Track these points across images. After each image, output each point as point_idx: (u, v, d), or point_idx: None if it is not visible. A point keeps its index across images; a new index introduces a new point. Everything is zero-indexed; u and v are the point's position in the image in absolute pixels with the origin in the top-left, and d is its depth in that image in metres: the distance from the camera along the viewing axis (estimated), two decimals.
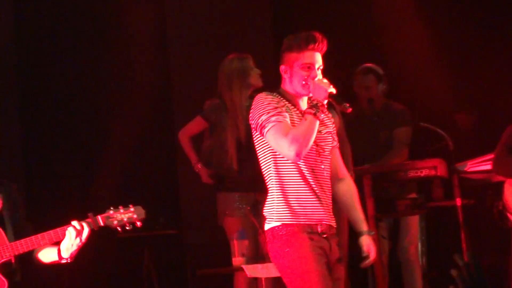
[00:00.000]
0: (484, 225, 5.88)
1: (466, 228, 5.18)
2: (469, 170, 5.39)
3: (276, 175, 3.80)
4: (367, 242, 3.89)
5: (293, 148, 3.66)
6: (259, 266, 4.73)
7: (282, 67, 3.89)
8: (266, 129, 3.73)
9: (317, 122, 3.72)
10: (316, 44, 3.82)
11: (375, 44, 7.06)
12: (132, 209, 3.78)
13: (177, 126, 6.03)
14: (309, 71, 3.82)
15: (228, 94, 5.43)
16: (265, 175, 3.86)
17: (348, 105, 3.78)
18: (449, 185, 5.36)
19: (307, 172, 3.79)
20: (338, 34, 7.16)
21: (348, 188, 4.00)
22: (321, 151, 3.83)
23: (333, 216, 3.84)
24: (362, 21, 7.24)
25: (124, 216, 3.76)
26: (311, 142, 3.73)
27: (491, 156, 5.07)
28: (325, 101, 3.75)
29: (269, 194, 3.84)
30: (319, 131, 3.77)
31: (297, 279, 3.70)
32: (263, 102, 3.79)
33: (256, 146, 3.88)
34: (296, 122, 3.78)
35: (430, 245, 6.06)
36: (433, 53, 7.03)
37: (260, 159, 3.87)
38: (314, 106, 3.75)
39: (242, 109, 5.36)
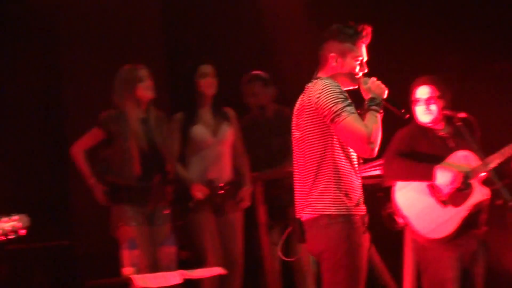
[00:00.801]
0: (377, 228, 6.00)
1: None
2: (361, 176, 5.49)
3: (334, 164, 3.75)
4: None
5: (373, 144, 3.68)
6: (149, 275, 4.69)
7: (332, 55, 3.85)
8: (341, 118, 3.67)
9: None
10: (368, 38, 3.88)
11: (268, 50, 7.13)
12: (15, 218, 3.68)
13: (69, 135, 5.93)
14: (361, 65, 3.89)
15: (122, 104, 5.40)
16: (314, 163, 3.78)
17: (404, 110, 3.87)
18: None
19: (354, 164, 3.83)
20: (230, 42, 7.21)
21: None
22: None
23: None
24: (253, 28, 7.29)
25: (7, 224, 3.66)
26: None
27: (381, 161, 5.17)
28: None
29: (323, 182, 3.75)
30: None
31: (347, 272, 3.70)
32: (334, 90, 3.74)
33: (310, 131, 3.79)
34: None
35: None
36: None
37: (311, 146, 3.79)
38: (377, 104, 3.78)
39: (137, 120, 5.34)
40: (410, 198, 5.01)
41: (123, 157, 5.36)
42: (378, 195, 5.58)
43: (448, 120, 5.08)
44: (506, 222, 4.71)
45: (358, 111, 3.78)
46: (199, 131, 5.65)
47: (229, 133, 5.73)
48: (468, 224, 4.92)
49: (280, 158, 5.93)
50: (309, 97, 3.80)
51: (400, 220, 5.05)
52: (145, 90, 5.44)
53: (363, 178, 5.41)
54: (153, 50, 7.40)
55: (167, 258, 5.17)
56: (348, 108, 3.68)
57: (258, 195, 5.33)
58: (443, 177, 4.91)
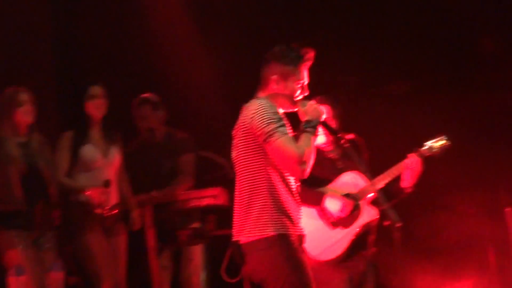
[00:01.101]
0: None
1: None
2: None
3: (269, 185, 3.74)
4: None
5: (304, 165, 3.70)
6: None
7: (274, 78, 3.87)
8: (273, 138, 3.68)
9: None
10: (310, 61, 3.88)
11: (159, 73, 7.08)
12: None
13: None
14: (303, 87, 3.89)
15: (0, 129, 5.28)
16: (248, 184, 3.77)
17: (340, 135, 3.93)
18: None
19: (291, 183, 3.83)
20: (122, 65, 7.12)
21: None
22: None
23: None
24: (146, 50, 7.24)
25: None
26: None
27: None
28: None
29: (259, 203, 3.74)
30: None
31: None
32: (268, 110, 3.74)
33: (245, 152, 3.80)
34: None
35: (216, 274, 6.10)
36: (215, 81, 7.16)
37: (246, 168, 3.79)
38: (313, 126, 3.80)
39: (16, 144, 5.21)
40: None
41: (3, 183, 5.20)
42: None
43: (337, 141, 5.11)
44: (393, 243, 4.76)
45: (295, 133, 3.82)
46: (89, 151, 5.55)
47: (117, 156, 5.65)
48: (357, 245, 4.96)
49: (170, 181, 5.88)
50: (244, 117, 3.82)
51: None
52: (24, 114, 5.33)
53: None
54: (44, 70, 7.23)
55: (55, 284, 5.12)
56: (281, 129, 3.71)
57: (147, 218, 5.27)
58: (331, 205, 4.96)
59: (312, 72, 7.40)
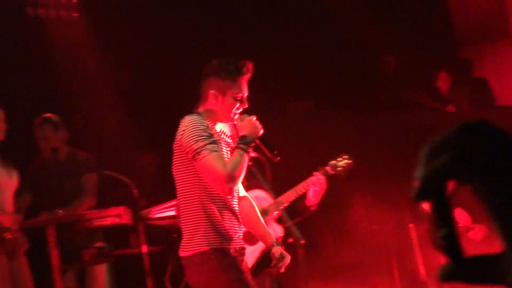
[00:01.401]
0: (173, 270, 5.98)
1: (152, 274, 5.22)
2: (154, 217, 5.46)
3: (202, 200, 3.74)
4: (279, 251, 4.03)
5: (230, 184, 3.67)
6: None
7: (212, 92, 3.82)
8: (201, 156, 3.65)
9: (247, 159, 3.74)
10: (249, 73, 3.83)
11: (61, 93, 6.99)
12: None
13: None
14: (241, 101, 3.84)
15: None
16: (183, 200, 3.78)
17: (276, 152, 3.85)
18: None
19: (231, 198, 3.82)
20: (23, 85, 7.00)
21: (250, 204, 4.06)
22: None
23: None
24: (46, 71, 7.14)
25: None
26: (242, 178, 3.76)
27: (174, 201, 5.14)
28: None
29: (193, 219, 3.75)
30: None
31: None
32: (198, 127, 3.70)
33: (178, 169, 3.80)
34: (223, 150, 3.79)
35: None
36: (118, 100, 7.13)
37: (181, 183, 3.79)
38: (247, 143, 3.75)
39: None
40: None
41: None
42: (172, 236, 5.57)
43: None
44: (298, 260, 4.81)
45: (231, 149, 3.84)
46: None
47: (16, 178, 5.55)
48: (262, 262, 4.97)
49: (73, 200, 5.80)
50: (178, 133, 3.82)
51: None
52: None
53: (157, 219, 5.46)
54: None
55: None
56: (209, 146, 3.69)
57: (51, 238, 5.16)
58: None
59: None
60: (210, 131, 3.77)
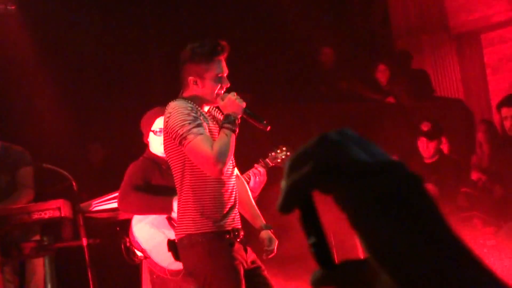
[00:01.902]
0: (115, 263, 6.01)
1: (93, 267, 5.25)
2: (94, 210, 5.48)
3: (191, 184, 3.79)
4: (267, 236, 4.06)
5: (219, 165, 3.70)
6: None
7: (191, 79, 3.83)
8: (187, 141, 3.69)
9: (234, 138, 3.77)
10: (224, 52, 3.82)
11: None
12: None
13: None
14: (221, 81, 3.84)
15: None
16: (177, 184, 3.85)
17: (266, 122, 3.87)
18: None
19: (222, 180, 3.83)
20: None
21: (242, 185, 4.10)
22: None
23: (240, 221, 3.95)
24: None
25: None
26: (231, 158, 3.80)
27: (115, 194, 5.17)
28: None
29: (182, 203, 3.83)
30: None
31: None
32: (182, 112, 3.73)
33: (169, 154, 3.87)
34: (213, 130, 3.83)
35: (63, 286, 6.05)
36: (58, 91, 7.12)
37: (173, 168, 3.87)
38: (231, 121, 3.78)
39: None
40: (148, 231, 5.02)
41: None
42: (116, 229, 5.59)
43: None
44: None
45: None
46: None
47: None
48: None
49: (9, 195, 5.77)
50: (163, 119, 3.90)
51: (139, 254, 5.04)
52: None
53: (98, 211, 5.48)
54: None
55: None
56: (195, 130, 3.74)
57: None
58: None
59: (158, 85, 7.51)
60: (195, 114, 3.81)
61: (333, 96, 9.24)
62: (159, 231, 4.99)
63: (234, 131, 3.84)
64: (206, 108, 3.98)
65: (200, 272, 3.89)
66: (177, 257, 4.00)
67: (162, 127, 5.05)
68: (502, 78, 9.23)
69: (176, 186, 3.95)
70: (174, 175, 3.94)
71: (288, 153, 5.34)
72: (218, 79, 3.91)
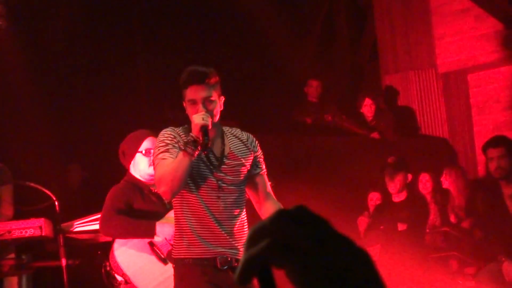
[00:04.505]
0: (93, 285, 6.05)
1: None
2: (75, 230, 5.52)
3: (177, 208, 4.05)
4: None
5: (161, 187, 3.89)
6: None
7: (184, 104, 4.05)
8: (154, 166, 3.98)
9: (189, 159, 3.85)
10: (197, 79, 3.94)
11: None
12: None
13: None
14: (194, 106, 3.97)
15: None
16: (173, 208, 4.13)
17: (209, 145, 3.96)
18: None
19: (203, 206, 3.97)
20: None
21: (274, 205, 4.15)
22: (222, 184, 4.00)
23: (238, 248, 3.99)
24: None
25: None
26: (183, 180, 3.86)
27: (96, 216, 5.22)
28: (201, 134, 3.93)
29: (175, 226, 4.10)
30: (215, 167, 3.97)
31: None
32: (159, 139, 4.01)
33: None
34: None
35: None
36: (41, 109, 7.20)
37: None
38: (188, 142, 3.88)
39: None
40: (130, 256, 5.04)
41: None
42: (97, 252, 5.63)
43: None
44: None
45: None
46: None
47: None
48: None
49: None
50: None
51: (119, 278, 5.06)
52: None
53: (79, 232, 5.55)
54: None
55: None
56: (160, 155, 3.98)
57: None
58: (163, 232, 4.98)
59: (141, 108, 7.63)
60: (169, 141, 4.02)
61: (318, 128, 9.35)
62: (142, 256, 5.02)
63: (188, 152, 3.92)
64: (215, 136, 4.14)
65: None
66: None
67: (152, 147, 5.14)
68: (487, 119, 9.42)
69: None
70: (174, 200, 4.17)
71: (269, 183, 5.41)
72: (191, 105, 4.06)
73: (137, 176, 5.20)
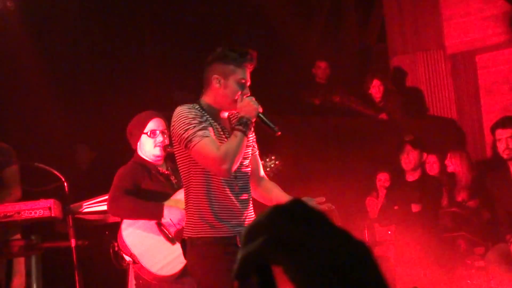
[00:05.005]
0: (101, 266, 6.10)
1: (81, 269, 5.31)
2: (84, 211, 5.53)
3: (195, 188, 3.93)
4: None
5: (225, 165, 3.80)
6: None
7: (215, 77, 3.92)
8: (192, 143, 3.80)
9: (246, 140, 3.85)
10: (253, 61, 3.94)
11: None
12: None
13: None
14: (243, 87, 3.93)
15: None
16: (185, 187, 4.00)
17: (277, 127, 3.94)
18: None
19: (223, 186, 3.94)
20: None
21: (272, 184, 4.23)
22: (239, 165, 3.97)
23: None
24: None
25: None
26: (240, 159, 3.87)
27: (105, 197, 5.25)
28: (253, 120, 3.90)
29: (188, 206, 3.98)
30: None
31: None
32: (186, 116, 3.84)
33: (177, 158, 4.00)
34: (221, 137, 3.91)
35: (48, 286, 6.12)
36: (49, 90, 7.22)
37: (181, 171, 4.01)
38: (243, 123, 3.86)
39: None
40: (138, 236, 5.07)
41: None
42: (105, 233, 5.66)
43: (168, 156, 5.25)
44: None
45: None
46: None
47: None
48: None
49: None
50: (171, 125, 4.02)
51: (127, 258, 5.09)
52: None
53: (88, 213, 5.58)
54: None
55: None
56: (200, 132, 3.86)
57: None
58: (171, 215, 5.01)
59: (149, 89, 7.64)
60: (200, 119, 3.92)
61: (326, 109, 9.35)
62: (149, 236, 5.05)
63: (245, 134, 3.92)
64: (223, 119, 4.08)
65: (195, 274, 4.08)
66: (185, 255, 4.15)
67: (157, 128, 5.21)
68: (495, 100, 9.40)
69: (184, 189, 4.11)
70: (182, 178, 4.09)
71: (277, 162, 5.44)
72: (241, 85, 4.01)
73: (144, 156, 5.23)
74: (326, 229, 0.90)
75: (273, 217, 0.90)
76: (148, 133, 5.19)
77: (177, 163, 4.11)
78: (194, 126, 3.89)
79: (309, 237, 0.88)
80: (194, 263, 4.06)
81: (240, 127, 3.93)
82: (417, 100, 9.86)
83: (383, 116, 9.38)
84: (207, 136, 3.88)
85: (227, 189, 4.02)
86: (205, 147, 3.86)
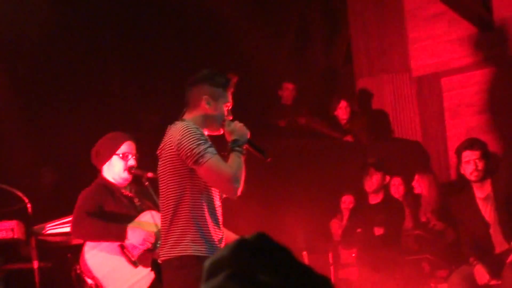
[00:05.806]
0: None
1: None
2: (47, 233, 5.51)
3: (190, 206, 3.90)
4: None
5: (237, 184, 3.86)
6: None
7: (205, 97, 3.99)
8: (205, 159, 3.81)
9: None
10: (233, 88, 4.10)
11: None
12: None
13: None
14: (228, 111, 4.05)
15: None
16: (171, 206, 3.92)
17: (267, 153, 4.06)
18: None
19: (216, 204, 3.99)
20: None
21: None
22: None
23: None
24: None
25: None
26: None
27: (68, 218, 5.24)
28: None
29: (180, 225, 3.91)
30: None
31: None
32: (195, 132, 3.87)
33: (166, 175, 3.95)
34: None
35: None
36: (12, 111, 7.21)
37: (171, 189, 3.93)
38: (241, 145, 3.96)
39: None
40: (101, 258, 5.07)
41: None
42: (67, 255, 5.65)
43: (134, 179, 5.27)
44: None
45: (222, 154, 4.00)
46: None
47: None
48: (157, 285, 5.11)
49: None
50: (170, 138, 3.98)
51: (89, 281, 5.09)
52: None
53: (51, 235, 5.57)
54: None
55: None
56: (210, 149, 3.90)
57: None
58: (134, 237, 5.03)
59: (114, 111, 7.66)
60: (205, 136, 3.99)
61: (291, 131, 9.41)
62: (112, 258, 5.05)
63: (243, 155, 4.05)
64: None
65: None
66: (160, 278, 4.10)
67: (130, 152, 5.19)
68: (460, 122, 9.53)
69: (170, 206, 4.01)
70: (167, 197, 4.03)
71: None
72: (227, 108, 4.15)
73: (110, 178, 5.24)
74: (290, 265, 0.92)
75: (237, 251, 0.91)
76: (121, 155, 5.20)
77: (164, 177, 4.07)
78: (204, 143, 3.95)
79: (274, 274, 0.89)
80: (183, 284, 3.96)
81: (239, 149, 4.04)
82: (382, 122, 9.95)
83: (349, 138, 9.45)
84: (215, 154, 3.95)
85: (216, 209, 4.09)
86: (218, 164, 3.92)
